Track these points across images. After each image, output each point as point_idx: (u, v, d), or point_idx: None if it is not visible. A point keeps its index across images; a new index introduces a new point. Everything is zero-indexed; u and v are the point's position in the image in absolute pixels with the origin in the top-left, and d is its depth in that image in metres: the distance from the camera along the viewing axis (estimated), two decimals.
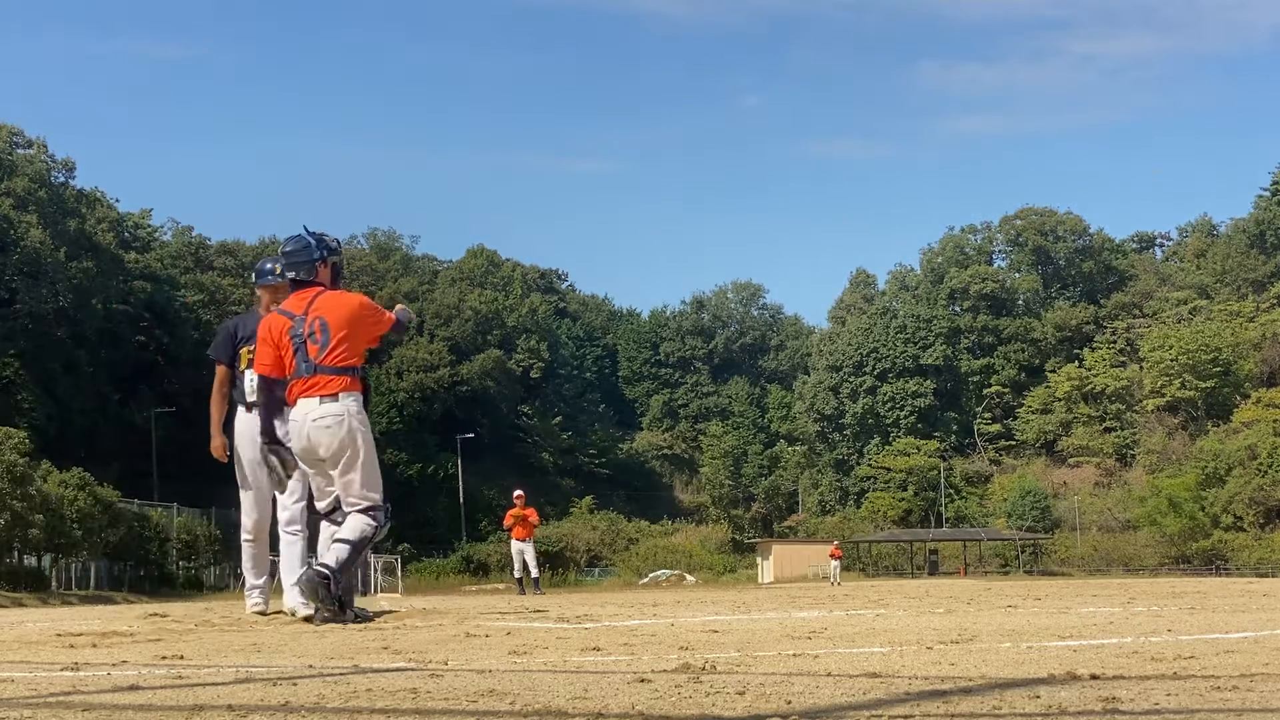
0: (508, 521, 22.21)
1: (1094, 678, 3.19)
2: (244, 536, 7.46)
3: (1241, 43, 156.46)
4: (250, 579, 7.46)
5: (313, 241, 6.61)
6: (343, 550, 6.29)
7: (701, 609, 9.31)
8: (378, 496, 6.47)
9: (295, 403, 6.45)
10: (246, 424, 7.23)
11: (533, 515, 22.18)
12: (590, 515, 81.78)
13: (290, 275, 6.59)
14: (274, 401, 6.52)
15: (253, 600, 7.32)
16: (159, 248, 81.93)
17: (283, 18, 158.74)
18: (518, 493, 22.72)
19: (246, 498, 7.36)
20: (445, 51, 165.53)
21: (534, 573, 21.99)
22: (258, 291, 7.62)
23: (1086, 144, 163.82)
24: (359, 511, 6.41)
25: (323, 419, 6.32)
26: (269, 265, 7.50)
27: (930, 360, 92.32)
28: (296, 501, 7.15)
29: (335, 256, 6.68)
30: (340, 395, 6.37)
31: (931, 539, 74.76)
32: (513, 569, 22.90)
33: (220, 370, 7.49)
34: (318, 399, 6.35)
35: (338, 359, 6.41)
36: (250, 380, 7.17)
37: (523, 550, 21.86)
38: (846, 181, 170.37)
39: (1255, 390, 79.20)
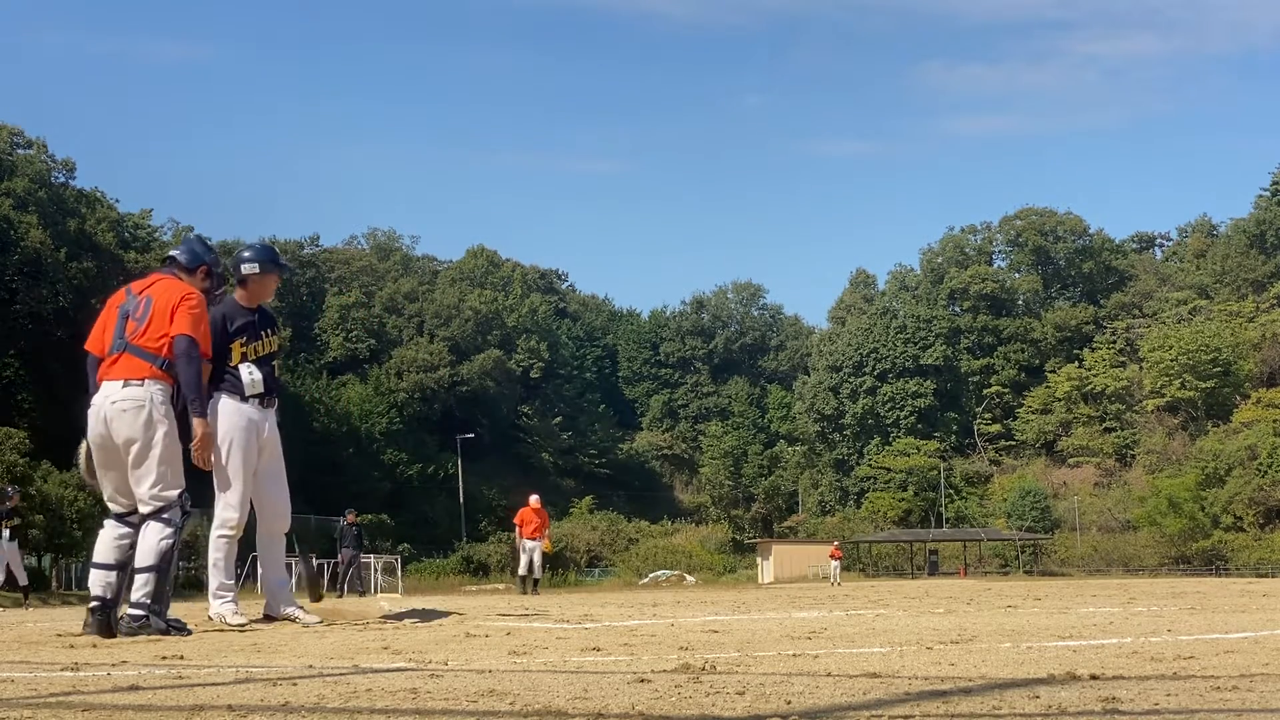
0: (518, 519, 22.49)
1: (1094, 678, 3.19)
2: (223, 532, 6.92)
3: (1243, 43, 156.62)
4: (222, 578, 6.93)
5: (210, 248, 6.78)
6: (148, 580, 6.00)
7: (701, 609, 9.31)
8: (174, 495, 6.12)
9: (100, 384, 6.19)
10: (243, 413, 6.98)
11: (545, 516, 22.57)
12: (590, 515, 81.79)
13: (172, 253, 6.62)
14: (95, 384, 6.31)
15: (225, 604, 6.83)
16: (159, 248, 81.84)
17: (283, 17, 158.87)
18: (533, 497, 22.84)
19: (233, 492, 6.92)
20: (446, 51, 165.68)
21: (536, 573, 22.16)
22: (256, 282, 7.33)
23: (1086, 144, 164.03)
24: (151, 517, 6.07)
25: (121, 402, 6.06)
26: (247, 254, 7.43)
27: (930, 360, 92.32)
28: (238, 509, 6.97)
29: (218, 270, 6.72)
30: (146, 381, 6.09)
31: (931, 539, 74.76)
32: (517, 567, 22.99)
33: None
34: (120, 382, 6.10)
35: (150, 341, 6.13)
36: (249, 373, 7.02)
37: (533, 550, 22.06)
38: (846, 181, 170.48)
39: (1255, 390, 79.19)
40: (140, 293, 6.33)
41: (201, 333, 6.29)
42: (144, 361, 6.13)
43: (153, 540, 6.06)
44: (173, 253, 6.65)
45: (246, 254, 7.38)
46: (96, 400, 6.18)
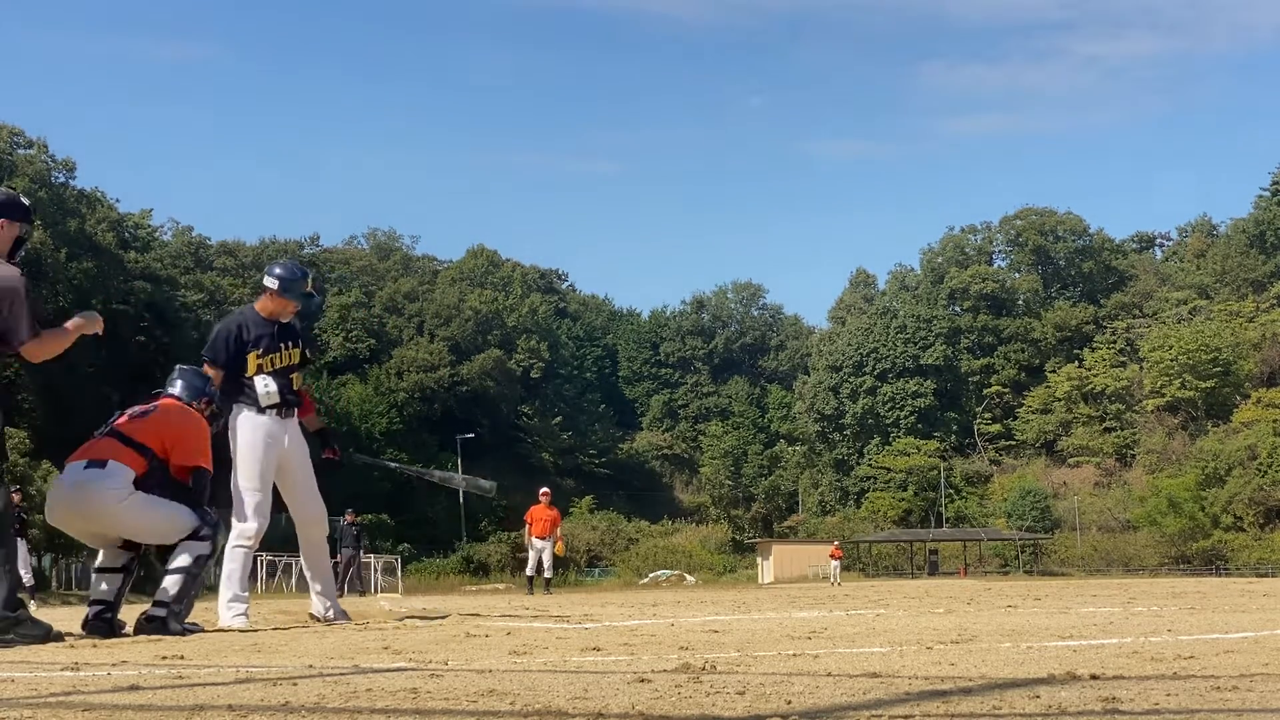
0: (528, 516, 22.20)
1: (1094, 678, 3.19)
2: (240, 543, 6.89)
3: (1245, 44, 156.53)
4: (236, 589, 6.84)
5: (207, 379, 6.69)
6: (178, 581, 6.02)
7: (701, 609, 9.32)
8: (190, 525, 6.09)
9: (65, 466, 6.19)
10: (262, 425, 6.99)
11: (556, 515, 22.21)
12: (590, 515, 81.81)
13: (171, 390, 6.48)
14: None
15: (238, 618, 6.75)
16: (159, 248, 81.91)
17: (283, 17, 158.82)
18: (544, 490, 22.62)
19: (250, 501, 6.94)
20: (446, 51, 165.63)
21: (547, 573, 21.93)
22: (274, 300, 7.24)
23: (1086, 144, 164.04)
24: (184, 541, 6.12)
25: (84, 484, 5.95)
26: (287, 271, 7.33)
27: (930, 360, 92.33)
28: (256, 519, 6.96)
29: (217, 399, 6.63)
30: (109, 462, 5.99)
31: (931, 539, 74.77)
32: (527, 567, 22.77)
33: (210, 373, 6.93)
34: (84, 462, 6.01)
35: (136, 432, 6.08)
36: (263, 385, 6.97)
37: (543, 549, 21.78)
38: (847, 181, 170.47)
39: (1255, 390, 79.21)
40: (145, 401, 6.38)
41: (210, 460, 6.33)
42: (121, 445, 6.05)
43: (188, 552, 6.11)
44: (171, 390, 6.47)
45: (277, 270, 7.30)
46: (60, 479, 6.13)
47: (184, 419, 6.29)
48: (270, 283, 7.19)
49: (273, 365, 7.08)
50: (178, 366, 6.73)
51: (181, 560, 6.08)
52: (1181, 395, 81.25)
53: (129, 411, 6.33)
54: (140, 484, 6.01)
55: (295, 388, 7.25)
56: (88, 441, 6.23)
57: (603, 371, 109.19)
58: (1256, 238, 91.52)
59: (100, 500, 5.95)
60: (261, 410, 7.00)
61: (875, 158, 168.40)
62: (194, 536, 6.13)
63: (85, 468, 6.01)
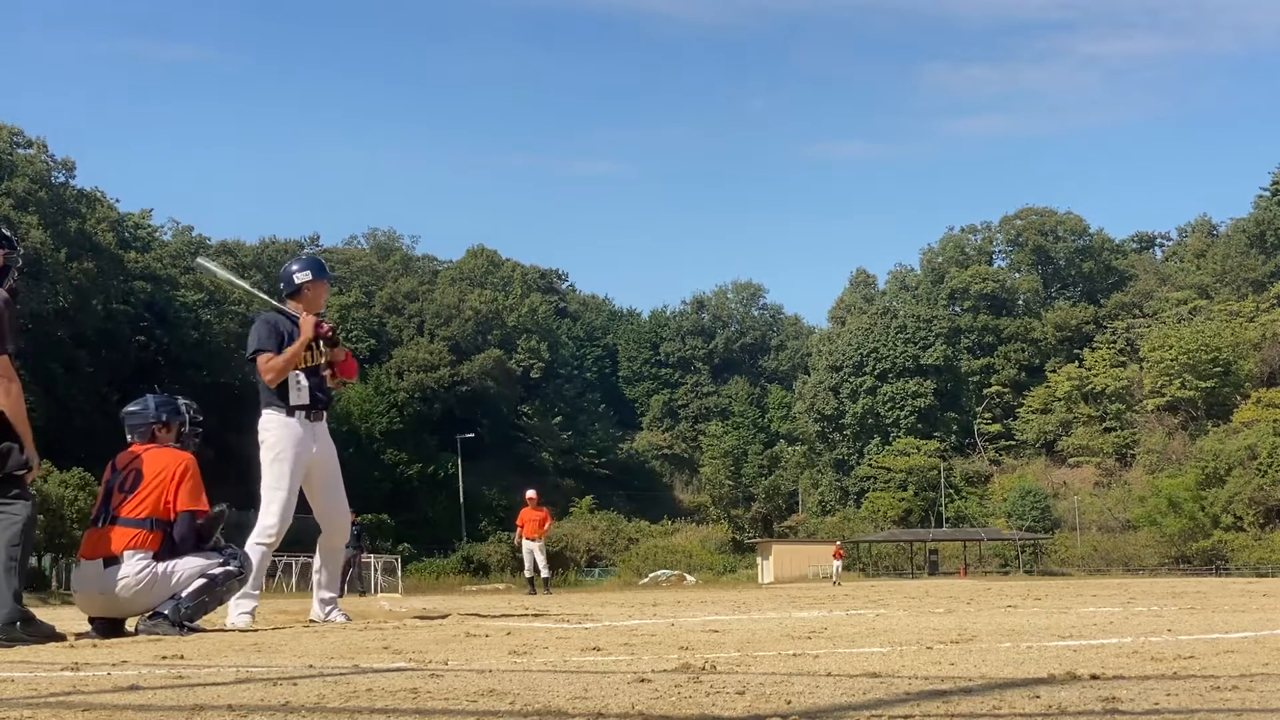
0: (519, 519, 22.35)
1: (1094, 678, 3.19)
2: (261, 540, 6.87)
3: (1246, 44, 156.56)
4: (248, 586, 6.74)
5: (153, 405, 6.43)
6: (198, 588, 6.05)
7: (701, 609, 9.33)
8: (219, 568, 6.12)
9: (79, 560, 6.21)
10: (290, 427, 6.97)
11: (545, 515, 22.33)
12: (590, 515, 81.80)
13: (132, 439, 6.39)
14: None
15: (243, 615, 6.72)
16: (159, 248, 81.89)
17: (283, 18, 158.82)
18: (530, 493, 22.71)
19: (276, 500, 6.92)
20: (446, 51, 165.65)
21: (544, 573, 22.02)
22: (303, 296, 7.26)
23: (1086, 144, 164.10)
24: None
25: (118, 583, 5.96)
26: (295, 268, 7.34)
27: (930, 360, 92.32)
28: (278, 518, 6.95)
29: (186, 414, 6.50)
30: (124, 555, 5.99)
31: (931, 539, 74.76)
32: (524, 569, 22.94)
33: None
34: (100, 561, 6.00)
35: (135, 510, 6.05)
36: (295, 383, 6.97)
37: (533, 549, 21.94)
38: (847, 181, 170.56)
39: (1255, 390, 79.21)
40: (125, 466, 6.25)
41: (201, 498, 6.26)
42: (130, 530, 6.05)
43: (216, 566, 6.12)
44: (128, 438, 6.39)
45: (295, 266, 7.35)
46: (85, 579, 6.10)
47: (168, 467, 6.17)
48: (302, 276, 7.23)
49: (304, 364, 7.08)
50: (124, 414, 6.46)
51: (208, 568, 6.11)
52: (1181, 395, 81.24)
53: (113, 482, 6.23)
54: (159, 555, 6.06)
55: (328, 386, 7.26)
56: (93, 531, 6.18)
57: (603, 371, 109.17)
58: (1256, 238, 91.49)
59: (133, 594, 6.01)
60: (290, 412, 6.99)
61: (876, 158, 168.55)
62: (223, 564, 6.19)
63: (104, 567, 6.01)
